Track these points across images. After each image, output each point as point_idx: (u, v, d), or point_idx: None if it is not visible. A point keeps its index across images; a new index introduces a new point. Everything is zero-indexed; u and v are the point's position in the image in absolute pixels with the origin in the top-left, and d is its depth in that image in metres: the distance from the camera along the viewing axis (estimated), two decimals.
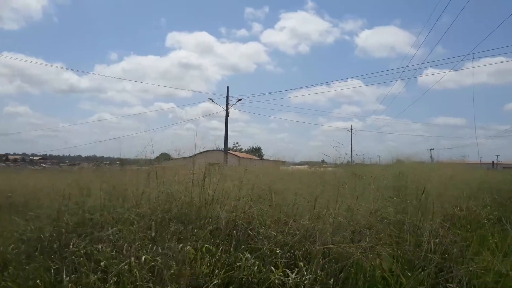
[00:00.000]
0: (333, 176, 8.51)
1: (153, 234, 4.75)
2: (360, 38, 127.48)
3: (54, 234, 5.03)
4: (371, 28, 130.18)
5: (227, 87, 41.63)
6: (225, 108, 40.14)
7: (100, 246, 4.37)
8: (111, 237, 4.60)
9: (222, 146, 66.42)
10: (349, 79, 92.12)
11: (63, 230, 5.05)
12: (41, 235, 5.04)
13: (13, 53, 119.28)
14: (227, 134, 41.63)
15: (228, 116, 40.33)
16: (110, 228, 4.76)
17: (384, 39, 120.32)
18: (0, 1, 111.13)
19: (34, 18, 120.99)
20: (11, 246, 4.85)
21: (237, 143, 76.90)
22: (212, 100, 41.04)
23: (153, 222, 4.97)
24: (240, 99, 40.55)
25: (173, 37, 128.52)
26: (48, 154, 71.15)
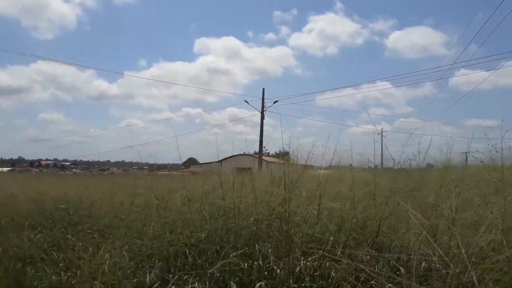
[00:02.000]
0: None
1: None
2: (390, 39, 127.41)
3: None
4: (402, 28, 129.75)
5: (263, 89, 39.30)
6: (260, 110, 38.82)
7: None
8: None
9: (249, 151, 68.11)
10: (377, 81, 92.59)
11: None
12: None
13: (47, 62, 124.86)
14: (262, 137, 40.81)
15: (264, 118, 39.15)
16: None
17: (415, 39, 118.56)
18: (37, 12, 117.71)
19: (68, 27, 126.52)
20: None
21: (264, 147, 78.78)
22: (247, 102, 39.78)
23: None
24: (276, 101, 38.80)
25: (201, 42, 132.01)
26: (78, 160, 74.87)
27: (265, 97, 38.98)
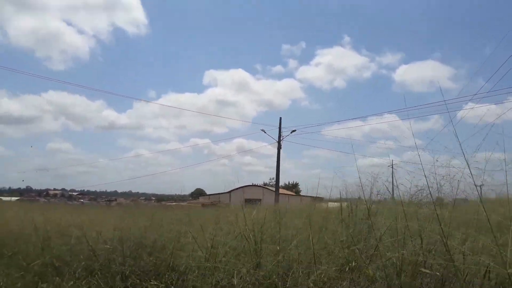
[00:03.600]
0: None
1: None
2: (398, 72, 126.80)
3: None
4: (409, 62, 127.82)
5: (280, 118, 38.04)
6: (277, 140, 37.33)
7: None
8: None
9: (257, 182, 68.36)
10: (385, 114, 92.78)
11: None
12: None
13: (58, 92, 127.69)
14: (279, 167, 38.24)
15: (281, 148, 37.53)
16: None
17: (423, 73, 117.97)
18: (50, 43, 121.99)
19: (81, 58, 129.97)
20: None
21: (272, 179, 79.38)
22: (264, 131, 38.49)
23: None
24: (294, 130, 37.54)
25: (210, 74, 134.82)
26: (85, 190, 75.63)
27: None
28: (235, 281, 3.99)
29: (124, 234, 5.33)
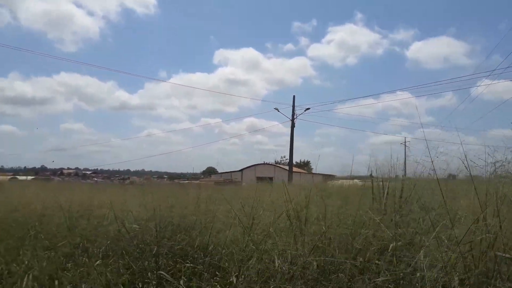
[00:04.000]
0: None
1: None
2: (411, 49, 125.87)
3: None
4: (423, 38, 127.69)
5: (293, 96, 37.64)
6: (290, 118, 36.94)
7: None
8: None
9: (269, 160, 68.47)
10: (398, 92, 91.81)
11: None
12: None
13: (70, 73, 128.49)
14: (292, 147, 37.83)
15: (294, 126, 37.19)
16: None
17: (437, 49, 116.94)
18: (62, 25, 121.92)
19: (92, 40, 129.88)
20: None
21: (284, 157, 79.26)
22: (278, 110, 37.83)
23: None
24: (308, 108, 37.02)
25: (220, 54, 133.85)
26: (99, 169, 76.70)
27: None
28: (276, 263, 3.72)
29: (156, 214, 5.02)
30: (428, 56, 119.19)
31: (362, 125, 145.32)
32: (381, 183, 6.34)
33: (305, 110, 36.82)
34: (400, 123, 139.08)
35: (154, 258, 4.57)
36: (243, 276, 3.91)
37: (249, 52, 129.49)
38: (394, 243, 3.86)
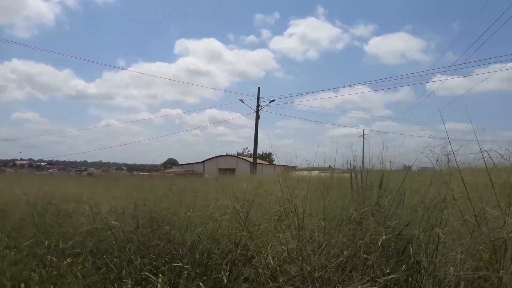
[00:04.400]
0: None
1: None
2: (370, 44, 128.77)
3: None
4: (382, 34, 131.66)
5: (258, 88, 40.62)
6: (255, 109, 36.79)
7: None
8: None
9: (231, 152, 67.99)
10: (357, 86, 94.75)
11: None
12: None
13: (23, 60, 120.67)
14: (256, 138, 37.66)
15: (259, 118, 37.13)
16: None
17: (395, 45, 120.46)
18: (14, 10, 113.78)
19: (46, 26, 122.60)
20: None
21: (246, 148, 79.63)
22: (242, 101, 37.94)
23: None
24: (273, 100, 37.24)
25: (181, 43, 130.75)
26: (54, 160, 73.07)
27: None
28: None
29: (138, 208, 4.80)
30: (386, 51, 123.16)
31: (322, 118, 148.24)
32: (356, 175, 6.40)
33: (270, 102, 37.01)
34: (359, 116, 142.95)
35: (134, 256, 4.24)
36: (234, 275, 3.69)
37: (211, 43, 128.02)
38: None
